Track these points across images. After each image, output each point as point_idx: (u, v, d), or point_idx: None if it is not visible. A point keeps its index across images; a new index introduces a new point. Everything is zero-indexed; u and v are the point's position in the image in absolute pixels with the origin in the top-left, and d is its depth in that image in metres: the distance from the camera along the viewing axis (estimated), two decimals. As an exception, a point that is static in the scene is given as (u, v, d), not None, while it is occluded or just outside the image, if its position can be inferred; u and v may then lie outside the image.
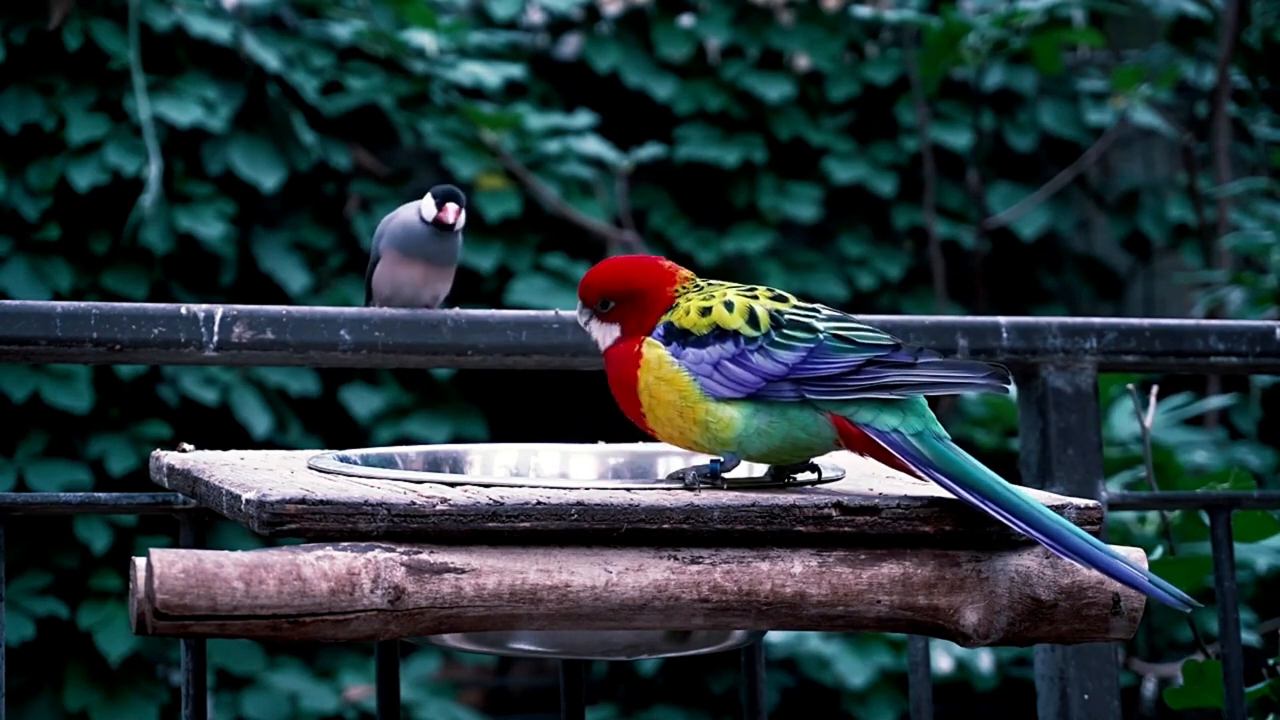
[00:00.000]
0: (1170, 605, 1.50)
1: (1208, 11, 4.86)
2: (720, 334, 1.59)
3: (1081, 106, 5.33)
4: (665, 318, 1.61)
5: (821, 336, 1.58)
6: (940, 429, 1.56)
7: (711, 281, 1.65)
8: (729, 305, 1.60)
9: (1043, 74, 5.12)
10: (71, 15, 4.36)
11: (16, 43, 4.36)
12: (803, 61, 5.29)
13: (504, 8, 5.05)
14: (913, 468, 1.54)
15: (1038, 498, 1.58)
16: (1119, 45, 5.48)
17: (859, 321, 1.60)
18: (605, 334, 1.64)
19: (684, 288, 1.64)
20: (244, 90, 4.58)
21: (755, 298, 1.61)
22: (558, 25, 5.27)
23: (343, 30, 4.76)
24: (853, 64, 5.27)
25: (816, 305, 1.62)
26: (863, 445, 1.57)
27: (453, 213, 2.10)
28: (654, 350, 1.60)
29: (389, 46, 4.77)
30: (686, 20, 5.21)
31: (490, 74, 4.78)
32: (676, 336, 1.60)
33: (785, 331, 1.58)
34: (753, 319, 1.59)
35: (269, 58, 4.55)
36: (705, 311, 1.60)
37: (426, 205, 2.13)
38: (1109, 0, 4.94)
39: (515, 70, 4.87)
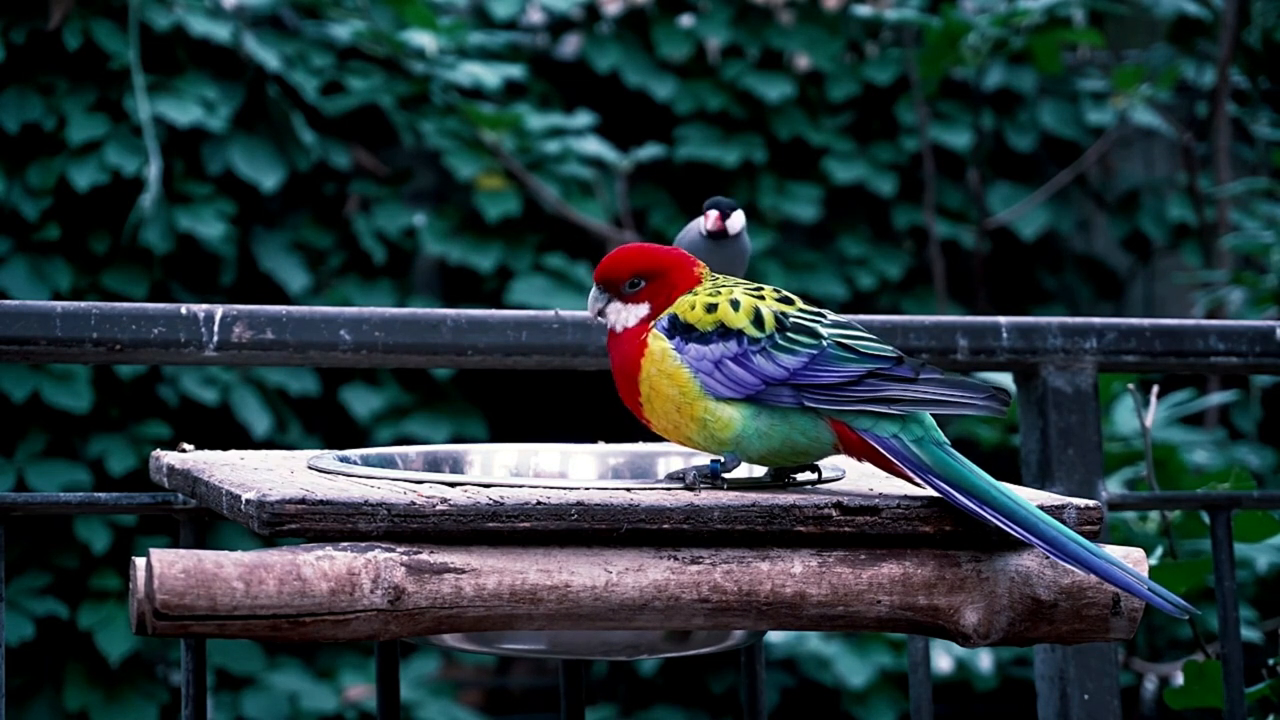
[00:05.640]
0: (1168, 612, 1.50)
1: (1208, 11, 4.86)
2: (724, 332, 1.59)
3: (1081, 106, 5.33)
4: (671, 310, 1.61)
5: (825, 343, 1.57)
6: (940, 435, 1.56)
7: (719, 276, 1.65)
8: (735, 304, 1.60)
9: (1043, 74, 5.12)
10: (71, 15, 4.36)
11: (16, 43, 4.36)
12: (803, 61, 5.29)
13: (504, 8, 5.05)
14: (911, 474, 1.54)
15: (1038, 498, 1.58)
16: (1119, 45, 5.48)
17: (863, 330, 1.60)
18: (628, 314, 1.63)
19: (703, 272, 1.64)
20: (244, 90, 4.58)
21: (762, 298, 1.61)
22: (558, 25, 5.27)
23: (343, 30, 4.76)
24: (853, 64, 5.27)
25: (822, 310, 1.62)
26: (862, 451, 1.57)
27: (714, 219, 2.06)
28: (659, 342, 1.60)
29: (389, 47, 4.77)
30: (686, 20, 5.21)
31: (490, 74, 4.78)
32: (680, 330, 1.60)
33: (789, 335, 1.58)
34: (758, 320, 1.59)
35: (269, 58, 4.55)
36: (711, 308, 1.60)
37: (704, 218, 2.10)
38: (1109, 0, 4.94)
39: (515, 70, 4.87)
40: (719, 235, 2.04)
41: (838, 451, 1.59)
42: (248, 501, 1.44)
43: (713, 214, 2.02)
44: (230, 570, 1.39)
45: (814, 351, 1.57)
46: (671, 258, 1.64)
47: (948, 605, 1.53)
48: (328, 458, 1.69)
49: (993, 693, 4.73)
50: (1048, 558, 1.54)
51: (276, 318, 1.98)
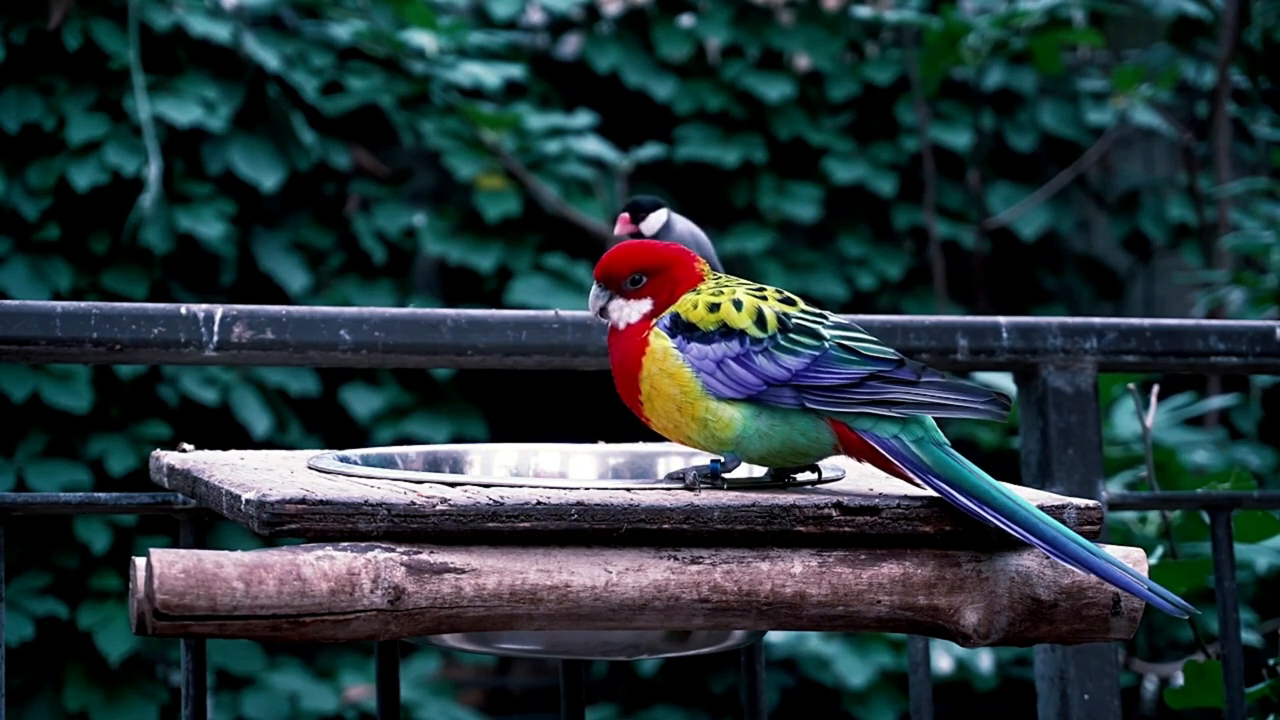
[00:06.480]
0: (1168, 612, 1.50)
1: (1208, 11, 4.86)
2: (726, 332, 1.59)
3: (1081, 106, 5.33)
4: (673, 309, 1.61)
5: (827, 345, 1.57)
6: (940, 435, 1.56)
7: (721, 275, 1.65)
8: (738, 304, 1.60)
9: (1043, 74, 5.12)
10: (71, 15, 4.36)
11: (16, 43, 4.36)
12: (803, 61, 5.29)
13: (504, 8, 5.05)
14: (911, 475, 1.54)
15: (1037, 498, 1.58)
16: (1119, 45, 5.48)
17: (863, 332, 1.60)
18: (631, 311, 1.62)
19: (704, 269, 1.64)
20: (244, 90, 4.58)
21: (764, 298, 1.61)
22: (558, 25, 5.27)
23: (343, 30, 4.76)
24: (853, 64, 5.27)
25: (824, 311, 1.62)
26: (862, 451, 1.57)
27: (621, 223, 2.06)
28: (661, 341, 1.59)
29: (389, 47, 4.77)
30: (686, 20, 5.21)
31: (490, 74, 4.78)
32: (683, 330, 1.60)
33: (791, 336, 1.58)
34: (760, 320, 1.59)
35: (269, 58, 4.55)
36: (713, 308, 1.60)
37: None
38: (1109, 0, 4.94)
39: (515, 70, 4.87)
40: (631, 238, 2.03)
41: (838, 452, 1.59)
42: (248, 501, 1.44)
43: (623, 217, 2.02)
44: (230, 570, 1.39)
45: (816, 353, 1.57)
46: (671, 253, 1.64)
47: (948, 605, 1.53)
48: (328, 458, 1.69)
49: (993, 693, 4.73)
50: (1048, 558, 1.54)
51: (276, 318, 1.98)
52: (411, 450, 1.80)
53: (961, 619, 1.54)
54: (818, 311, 1.62)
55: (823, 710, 4.73)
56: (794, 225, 5.23)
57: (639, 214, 2.01)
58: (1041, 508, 1.53)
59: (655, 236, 2.01)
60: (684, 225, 2.06)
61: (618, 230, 2.01)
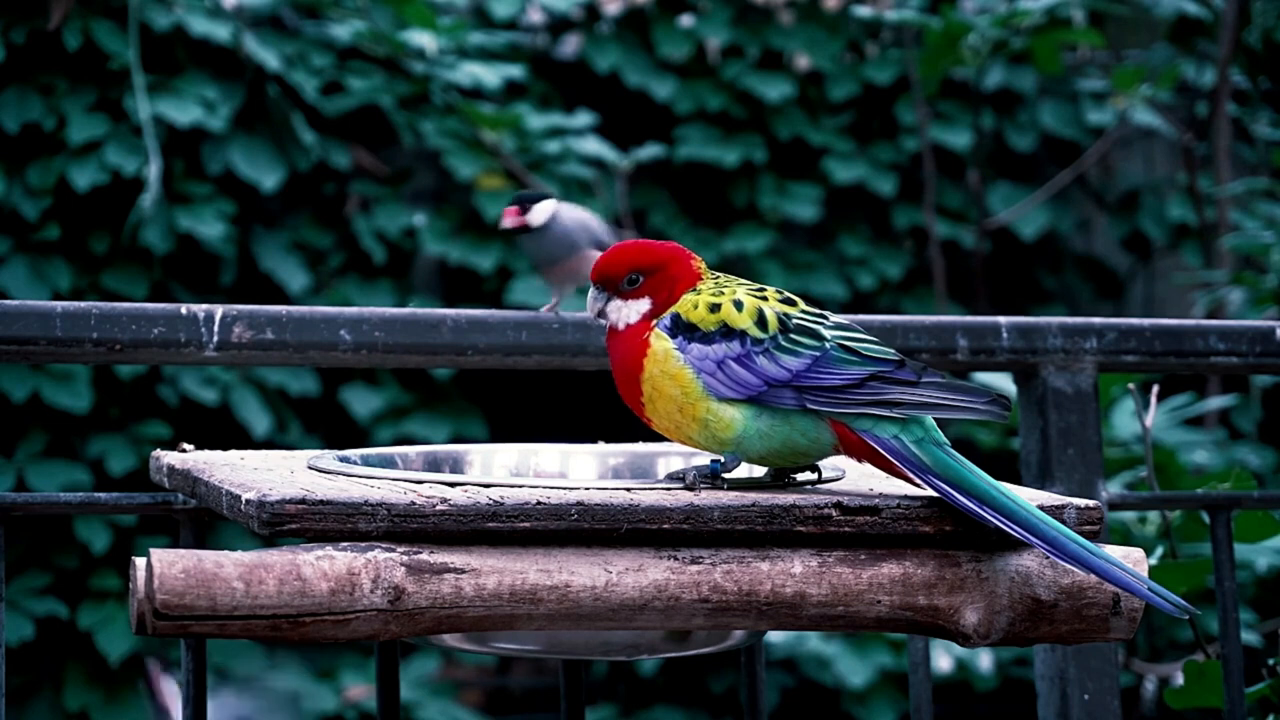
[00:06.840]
0: (1168, 612, 1.50)
1: (1208, 11, 4.86)
2: (727, 332, 1.59)
3: (1081, 106, 5.33)
4: (673, 309, 1.61)
5: (828, 345, 1.57)
6: (940, 435, 1.56)
7: (720, 275, 1.65)
8: (738, 304, 1.60)
9: (1043, 74, 5.12)
10: (71, 15, 4.36)
11: (16, 43, 4.36)
12: (803, 61, 5.29)
13: (504, 8, 5.05)
14: (911, 475, 1.54)
15: (1037, 498, 1.58)
16: (1119, 45, 5.48)
17: (863, 332, 1.60)
18: (629, 311, 1.62)
19: (701, 267, 1.64)
20: (244, 90, 4.58)
21: (765, 299, 1.61)
22: (558, 25, 5.27)
23: (343, 30, 4.76)
24: (853, 64, 5.27)
25: (824, 312, 1.62)
26: (862, 452, 1.57)
27: (508, 215, 2.11)
28: (661, 342, 1.60)
29: (389, 47, 4.77)
30: (686, 20, 5.21)
31: (490, 74, 4.78)
32: (683, 330, 1.60)
33: (792, 336, 1.58)
34: (761, 321, 1.59)
35: (269, 58, 4.55)
36: (714, 308, 1.60)
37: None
38: (1109, 0, 4.94)
39: (515, 70, 4.87)
40: (520, 230, 2.10)
41: (838, 452, 1.59)
42: (248, 501, 1.44)
43: (509, 210, 2.08)
44: (230, 570, 1.39)
45: (816, 354, 1.57)
46: (667, 251, 1.64)
47: (948, 605, 1.53)
48: (328, 458, 1.69)
49: (993, 693, 4.73)
50: (1048, 558, 1.54)
51: (276, 318, 1.98)
52: (411, 450, 1.81)
53: (961, 619, 1.54)
54: (818, 312, 1.62)
55: (823, 710, 4.73)
56: (794, 225, 5.23)
57: (525, 206, 2.08)
58: (1041, 508, 1.53)
59: (544, 225, 2.10)
60: (572, 213, 2.12)
61: (506, 223, 2.11)
